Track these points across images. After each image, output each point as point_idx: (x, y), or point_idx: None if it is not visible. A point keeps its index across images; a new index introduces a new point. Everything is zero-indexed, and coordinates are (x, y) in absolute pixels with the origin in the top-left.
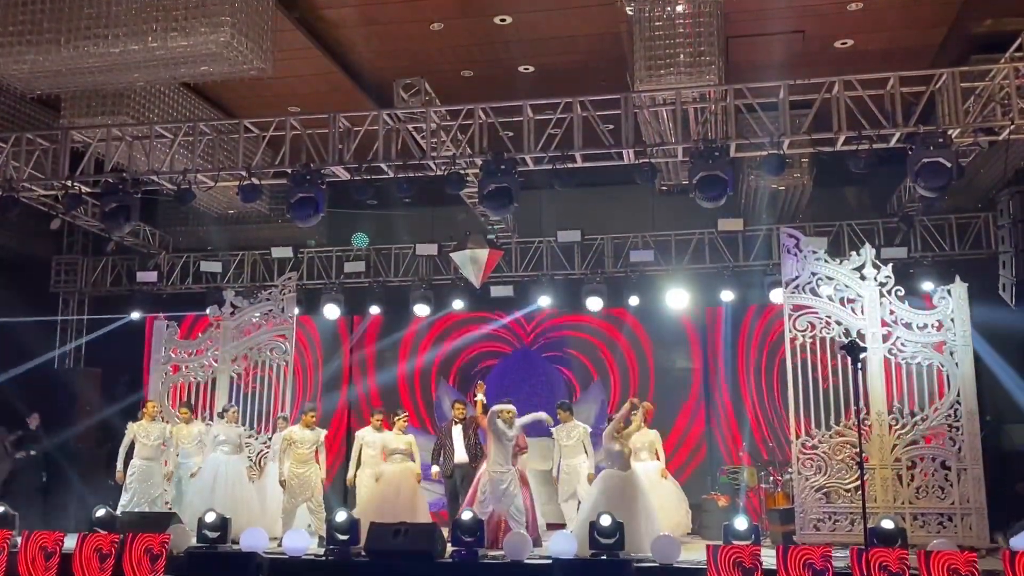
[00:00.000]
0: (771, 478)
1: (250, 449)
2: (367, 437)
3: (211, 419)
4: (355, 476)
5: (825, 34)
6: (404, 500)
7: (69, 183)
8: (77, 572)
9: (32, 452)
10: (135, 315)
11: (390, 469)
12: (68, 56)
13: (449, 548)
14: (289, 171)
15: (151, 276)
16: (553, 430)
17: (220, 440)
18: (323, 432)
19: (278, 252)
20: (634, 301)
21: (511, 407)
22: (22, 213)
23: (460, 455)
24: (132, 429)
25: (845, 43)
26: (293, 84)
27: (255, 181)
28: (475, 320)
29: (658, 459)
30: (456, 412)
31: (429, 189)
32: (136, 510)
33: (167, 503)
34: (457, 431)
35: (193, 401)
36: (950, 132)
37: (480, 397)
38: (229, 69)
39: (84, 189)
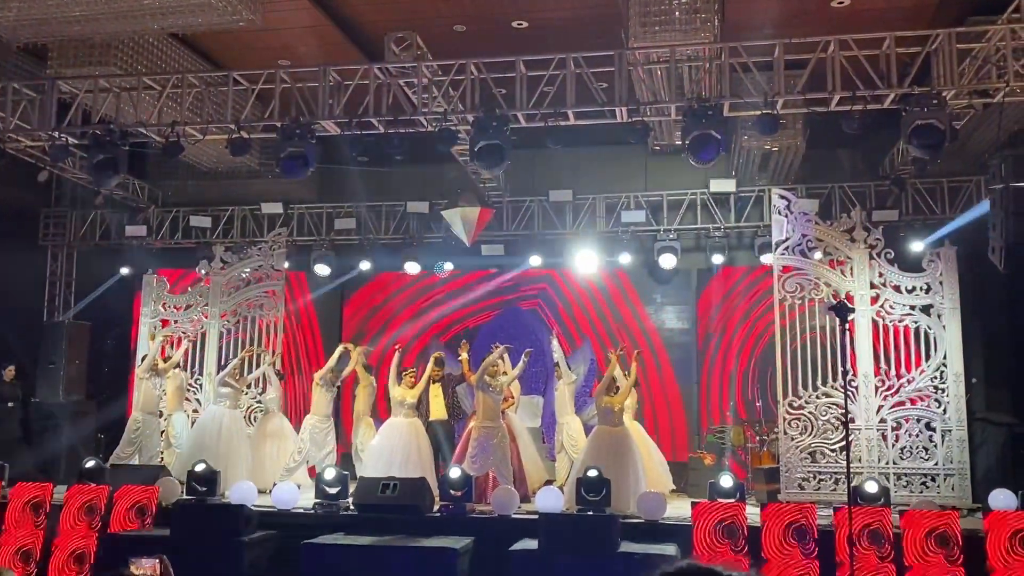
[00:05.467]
0: (758, 438)
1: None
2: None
3: (200, 374)
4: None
5: None
6: (412, 452)
7: (56, 134)
8: (65, 524)
9: (9, 404)
10: (124, 270)
11: (398, 422)
12: (54, 4)
13: (438, 502)
14: (279, 125)
15: (140, 230)
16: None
17: (221, 393)
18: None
19: (268, 208)
20: (625, 260)
21: (494, 358)
22: (9, 164)
23: (439, 412)
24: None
25: (842, 2)
26: (283, 36)
27: (244, 135)
28: (466, 278)
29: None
30: (433, 371)
31: (420, 146)
32: (128, 462)
33: (161, 456)
34: (436, 389)
35: (182, 356)
36: (944, 94)
37: (464, 356)
38: (218, 20)
39: (71, 141)
